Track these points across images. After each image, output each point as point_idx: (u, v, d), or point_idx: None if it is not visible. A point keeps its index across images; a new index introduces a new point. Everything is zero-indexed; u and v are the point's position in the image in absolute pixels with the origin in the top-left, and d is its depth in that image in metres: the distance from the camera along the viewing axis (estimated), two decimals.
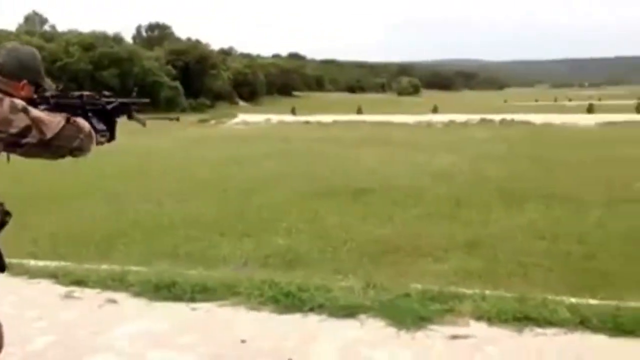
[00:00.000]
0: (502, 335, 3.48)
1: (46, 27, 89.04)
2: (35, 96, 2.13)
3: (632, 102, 58.79)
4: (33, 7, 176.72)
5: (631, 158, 16.38)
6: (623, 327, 3.43)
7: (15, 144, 1.90)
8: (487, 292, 4.02)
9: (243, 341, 3.50)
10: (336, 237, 7.98)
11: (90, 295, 4.18)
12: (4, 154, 1.99)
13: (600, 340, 3.38)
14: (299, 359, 3.28)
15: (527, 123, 36.92)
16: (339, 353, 3.36)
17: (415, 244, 7.69)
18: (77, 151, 2.04)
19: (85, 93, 2.20)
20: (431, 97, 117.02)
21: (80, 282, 4.35)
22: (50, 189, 11.48)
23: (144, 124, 2.41)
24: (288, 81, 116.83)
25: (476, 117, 41.82)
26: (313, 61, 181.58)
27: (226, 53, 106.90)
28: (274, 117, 46.48)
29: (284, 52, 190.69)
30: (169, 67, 73.38)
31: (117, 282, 4.33)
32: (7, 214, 2.12)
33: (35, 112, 1.93)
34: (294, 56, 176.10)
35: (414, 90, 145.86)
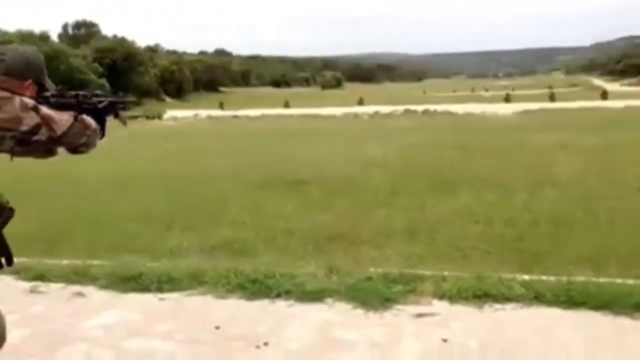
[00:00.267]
0: (464, 311, 3.73)
1: None
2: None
3: (544, 91, 61.94)
4: None
5: (548, 143, 17.24)
6: (574, 300, 3.73)
7: (26, 141, 1.94)
8: (446, 272, 4.28)
9: (217, 327, 3.59)
10: (279, 226, 8.06)
11: (55, 289, 4.16)
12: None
13: (554, 313, 3.66)
14: (275, 342, 3.41)
15: (449, 113, 38.21)
16: (313, 335, 3.49)
17: (357, 232, 7.84)
18: (84, 147, 2.11)
19: (80, 93, 2.27)
20: (354, 89, 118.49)
21: (42, 277, 4.33)
22: None
23: (125, 123, 2.54)
24: (214, 77, 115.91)
25: (400, 108, 43.05)
26: (239, 57, 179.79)
27: (153, 50, 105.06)
28: (203, 112, 46.04)
29: (210, 49, 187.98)
30: (96, 64, 72.38)
31: (80, 276, 4.33)
32: (12, 210, 2.17)
33: (45, 110, 1.98)
34: (220, 52, 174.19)
35: (337, 84, 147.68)
